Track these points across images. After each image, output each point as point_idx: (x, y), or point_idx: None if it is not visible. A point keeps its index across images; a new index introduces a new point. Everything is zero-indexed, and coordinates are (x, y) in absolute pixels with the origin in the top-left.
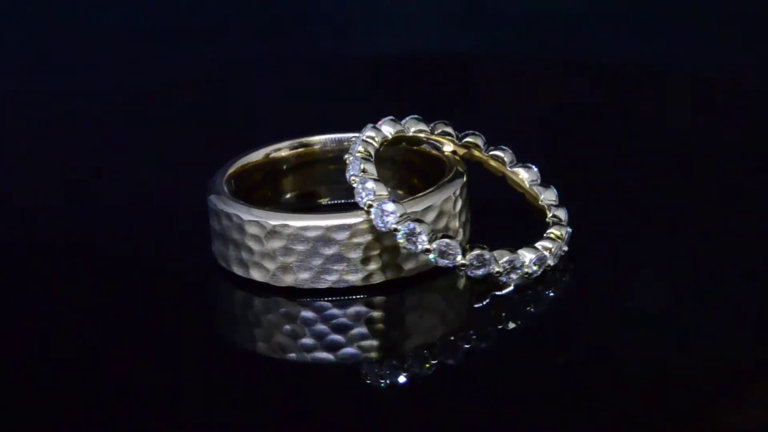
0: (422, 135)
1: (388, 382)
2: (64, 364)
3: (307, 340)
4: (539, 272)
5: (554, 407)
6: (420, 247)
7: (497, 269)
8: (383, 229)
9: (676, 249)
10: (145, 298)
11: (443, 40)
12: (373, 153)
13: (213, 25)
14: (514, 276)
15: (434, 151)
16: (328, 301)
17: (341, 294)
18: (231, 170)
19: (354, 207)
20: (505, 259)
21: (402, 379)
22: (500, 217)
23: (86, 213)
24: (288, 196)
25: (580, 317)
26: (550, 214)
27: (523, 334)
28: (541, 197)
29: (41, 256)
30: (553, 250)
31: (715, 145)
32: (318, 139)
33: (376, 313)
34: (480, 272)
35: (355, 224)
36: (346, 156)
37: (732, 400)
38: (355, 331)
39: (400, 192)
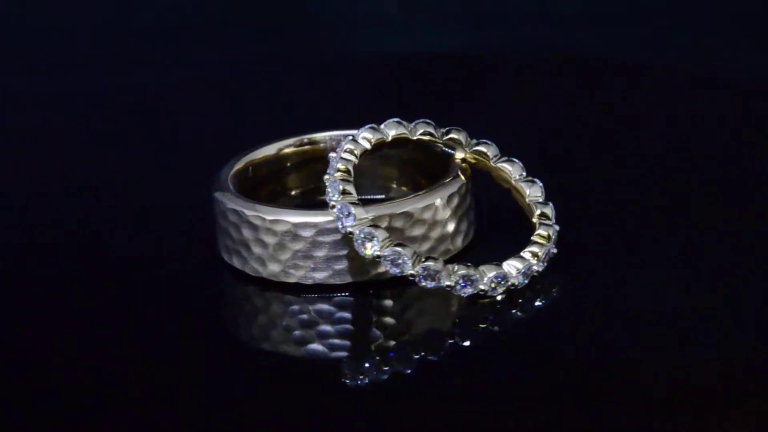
0: (428, 138)
1: (363, 381)
2: (66, 353)
3: (275, 332)
4: (500, 291)
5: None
6: (372, 253)
7: (448, 283)
8: (342, 230)
9: (678, 250)
10: (144, 278)
11: (446, 40)
12: (359, 154)
13: (214, 25)
14: (470, 290)
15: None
16: (295, 296)
17: (310, 291)
18: (238, 165)
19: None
20: (460, 273)
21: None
22: (512, 227)
23: (92, 210)
24: (294, 192)
25: (549, 330)
26: (537, 233)
27: (479, 350)
28: (537, 212)
29: (47, 253)
30: (521, 269)
31: (715, 145)
32: (323, 136)
33: (346, 314)
34: (429, 284)
35: (321, 223)
36: (330, 154)
37: (724, 410)
38: (321, 328)
39: (404, 189)
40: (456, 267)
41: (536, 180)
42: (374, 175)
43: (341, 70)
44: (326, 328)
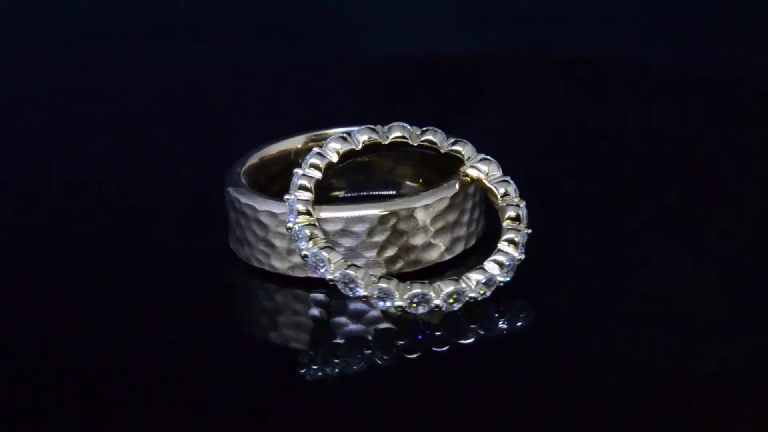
0: (430, 146)
1: (317, 374)
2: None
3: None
4: (421, 311)
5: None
6: (300, 252)
7: (364, 293)
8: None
9: (679, 252)
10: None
11: (448, 41)
12: (313, 186)
13: (217, 26)
14: (386, 305)
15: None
16: (263, 281)
17: (271, 279)
18: (252, 160)
19: (363, 200)
20: (379, 286)
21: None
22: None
23: (102, 206)
24: None
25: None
26: (492, 258)
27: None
28: (505, 236)
29: (59, 246)
30: (449, 292)
31: (716, 145)
32: (334, 133)
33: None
34: (347, 292)
35: (281, 214)
36: (285, 196)
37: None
38: (280, 318)
39: (415, 185)
40: (377, 278)
41: (520, 204)
42: (386, 171)
43: (344, 71)
44: (284, 318)
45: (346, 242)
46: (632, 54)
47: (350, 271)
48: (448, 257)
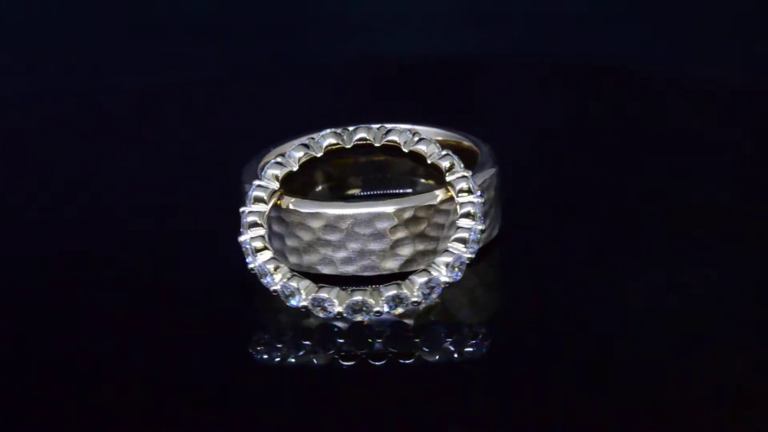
0: (422, 153)
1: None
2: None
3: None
4: (322, 315)
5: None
6: (240, 236)
7: (275, 288)
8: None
9: (677, 257)
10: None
11: (451, 41)
12: (300, 160)
13: (219, 27)
14: (293, 303)
15: (466, 143)
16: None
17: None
18: (268, 157)
19: (376, 198)
20: (289, 284)
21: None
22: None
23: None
24: (323, 185)
25: None
26: (408, 279)
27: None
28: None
29: (66, 251)
30: (347, 305)
31: (715, 147)
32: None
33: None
34: (263, 283)
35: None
36: (277, 157)
37: None
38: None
39: (430, 183)
40: (289, 277)
41: (477, 226)
42: (404, 169)
43: (344, 71)
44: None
45: (304, 236)
46: (633, 57)
47: (269, 265)
48: (407, 269)
